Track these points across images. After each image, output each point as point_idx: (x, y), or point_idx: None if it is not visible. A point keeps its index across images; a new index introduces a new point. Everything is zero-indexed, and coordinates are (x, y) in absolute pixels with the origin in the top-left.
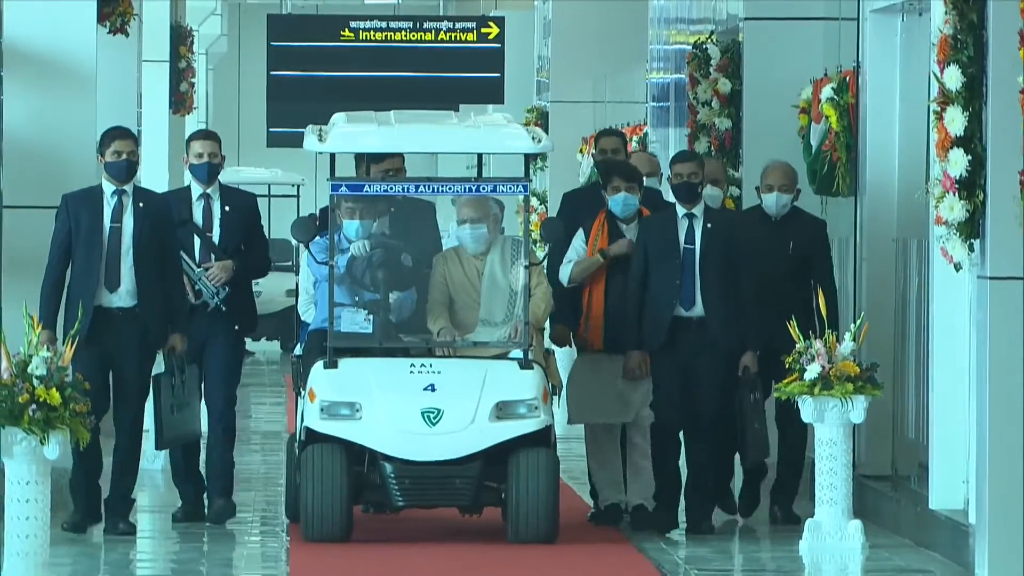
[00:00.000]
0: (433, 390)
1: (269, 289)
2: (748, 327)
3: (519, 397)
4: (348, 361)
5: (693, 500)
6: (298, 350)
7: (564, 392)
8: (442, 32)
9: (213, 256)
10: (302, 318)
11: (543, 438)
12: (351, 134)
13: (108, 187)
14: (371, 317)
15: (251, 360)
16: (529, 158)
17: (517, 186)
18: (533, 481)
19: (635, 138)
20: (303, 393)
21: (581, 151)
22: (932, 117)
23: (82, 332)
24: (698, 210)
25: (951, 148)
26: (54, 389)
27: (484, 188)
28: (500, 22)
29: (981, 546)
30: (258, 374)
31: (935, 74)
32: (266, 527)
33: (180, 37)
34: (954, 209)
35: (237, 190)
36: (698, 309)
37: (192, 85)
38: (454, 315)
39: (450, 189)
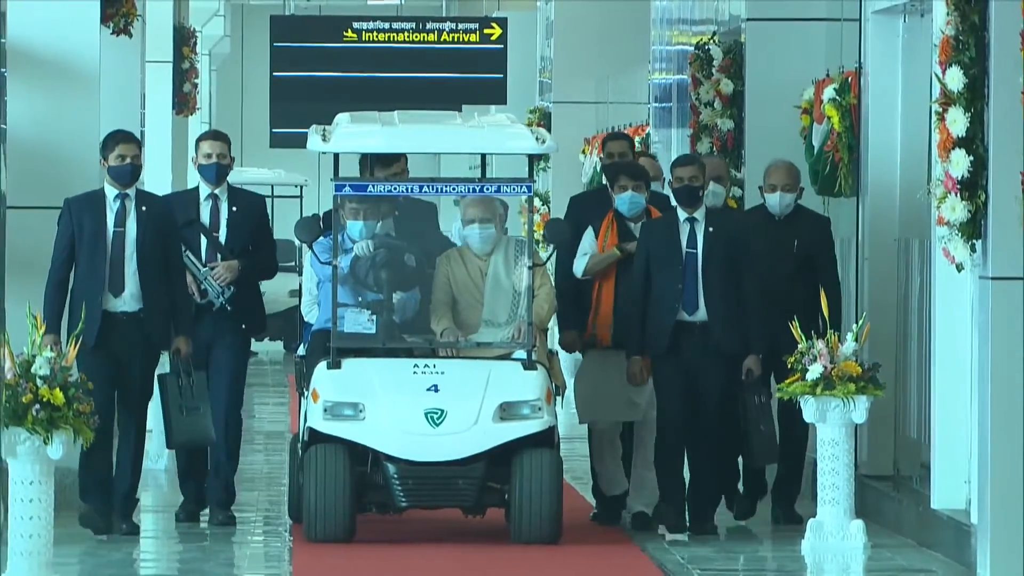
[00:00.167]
0: (436, 391)
1: (272, 289)
2: (751, 330)
3: (522, 398)
4: (351, 361)
5: (696, 501)
6: (301, 350)
7: (573, 390)
8: (445, 33)
9: (219, 256)
10: (305, 319)
11: (546, 439)
12: (354, 134)
13: (111, 191)
14: (374, 317)
15: (254, 360)
16: (533, 159)
17: (521, 187)
18: (536, 482)
19: (637, 139)
20: (306, 393)
21: (584, 152)
22: (934, 118)
23: (88, 337)
24: (699, 214)
25: (953, 149)
26: (57, 389)
27: (488, 189)
28: (503, 23)
29: (983, 546)
30: (261, 374)
31: (937, 75)
32: (269, 527)
33: (183, 38)
34: (956, 209)
35: (245, 191)
36: (701, 313)
37: (195, 86)
38: (457, 316)
39: (454, 190)
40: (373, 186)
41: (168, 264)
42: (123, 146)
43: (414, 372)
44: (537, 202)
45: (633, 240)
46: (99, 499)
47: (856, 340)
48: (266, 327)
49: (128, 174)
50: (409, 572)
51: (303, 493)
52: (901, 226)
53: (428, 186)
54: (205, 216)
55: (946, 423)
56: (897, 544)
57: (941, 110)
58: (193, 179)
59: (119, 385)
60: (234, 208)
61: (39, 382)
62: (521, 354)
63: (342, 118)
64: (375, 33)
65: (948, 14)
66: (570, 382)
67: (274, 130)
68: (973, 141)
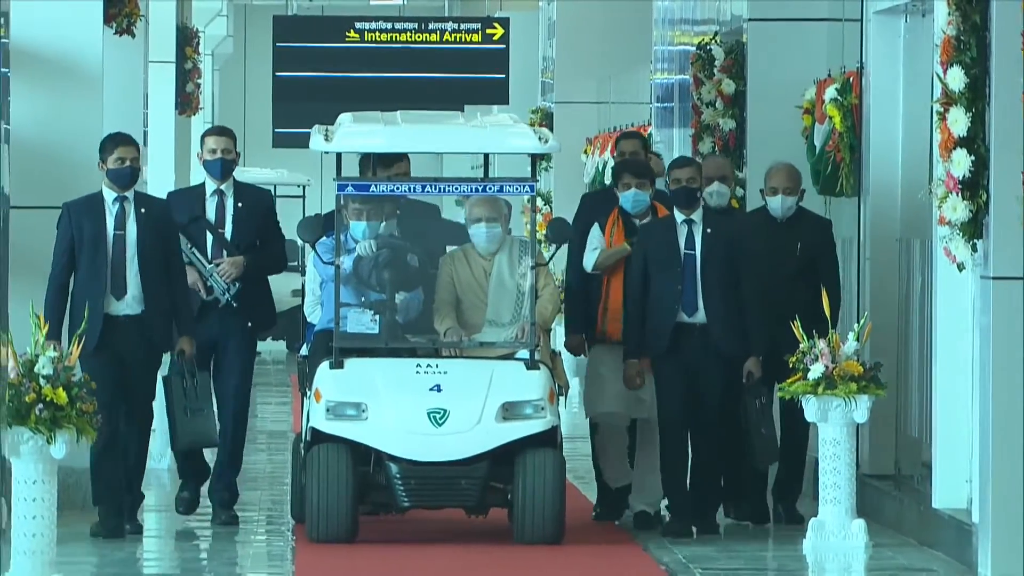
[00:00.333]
0: (439, 390)
1: (275, 289)
2: (751, 332)
3: (525, 398)
4: (354, 361)
5: (698, 501)
6: (304, 350)
7: (582, 385)
8: (447, 33)
9: (225, 252)
10: (308, 319)
11: (549, 439)
12: (357, 134)
13: (109, 194)
14: (377, 317)
15: (257, 360)
16: (535, 158)
17: (524, 186)
18: (539, 482)
19: None
20: (309, 393)
21: (586, 152)
22: (935, 117)
23: (89, 340)
24: (697, 215)
25: (954, 148)
26: (61, 389)
27: (491, 188)
28: (505, 23)
29: (984, 545)
30: (264, 374)
31: (938, 75)
32: (272, 526)
33: (186, 38)
34: (957, 209)
35: (252, 187)
36: (701, 315)
37: (198, 86)
38: (461, 315)
39: (456, 189)
40: (375, 186)
41: (168, 265)
42: (122, 148)
43: (417, 372)
44: (539, 202)
45: None
46: (112, 505)
47: (858, 339)
48: (275, 322)
49: (127, 176)
50: (412, 572)
51: (305, 493)
52: (902, 226)
53: (430, 186)
54: (211, 212)
55: (947, 422)
56: (898, 543)
57: (942, 110)
58: (196, 178)
59: (123, 388)
60: (240, 204)
61: (42, 381)
62: (524, 354)
63: (345, 118)
64: (377, 33)
65: (949, 14)
66: (573, 382)
67: (277, 130)
68: (974, 141)
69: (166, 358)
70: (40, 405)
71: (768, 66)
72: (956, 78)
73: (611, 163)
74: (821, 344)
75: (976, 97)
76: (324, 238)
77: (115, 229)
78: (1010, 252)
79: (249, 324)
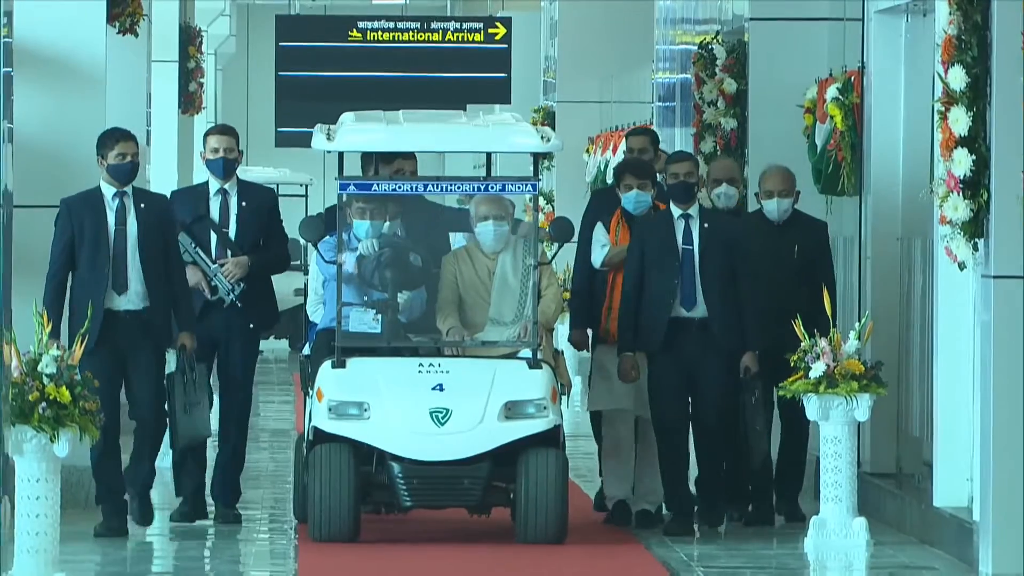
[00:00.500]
0: (441, 390)
1: (277, 288)
2: (748, 327)
3: (528, 397)
4: (356, 361)
5: (702, 498)
6: (307, 349)
7: (588, 381)
8: (449, 32)
9: (229, 252)
10: (311, 318)
11: (552, 438)
12: (359, 133)
13: (109, 190)
14: (379, 317)
15: (260, 359)
16: (538, 157)
17: (526, 185)
18: (542, 481)
19: None
20: (311, 393)
21: (588, 151)
22: (936, 117)
23: (92, 336)
24: (694, 210)
25: (955, 148)
26: (64, 387)
27: (493, 187)
28: (507, 22)
29: (985, 543)
30: (267, 372)
31: (939, 74)
32: (274, 524)
33: (189, 37)
34: (958, 208)
35: (255, 185)
36: (699, 309)
37: (201, 85)
38: (463, 314)
39: (458, 188)
40: (377, 185)
41: (168, 260)
42: (123, 144)
43: (419, 371)
44: (541, 201)
45: None
46: (113, 504)
47: (859, 338)
48: (278, 321)
49: (128, 172)
50: (414, 572)
51: (308, 493)
52: (904, 225)
53: (433, 185)
54: (215, 212)
55: (948, 421)
56: (899, 541)
57: (943, 109)
58: (199, 177)
59: (128, 385)
60: (244, 203)
61: (45, 380)
62: (527, 353)
63: (347, 117)
64: (380, 33)
65: (950, 14)
66: (576, 380)
67: (279, 129)
68: (975, 140)
69: (171, 356)
70: (43, 404)
71: (769, 65)
72: (957, 77)
73: (615, 161)
74: (822, 343)
75: (977, 96)
76: (327, 237)
77: (116, 224)
78: (1011, 251)
79: (251, 325)
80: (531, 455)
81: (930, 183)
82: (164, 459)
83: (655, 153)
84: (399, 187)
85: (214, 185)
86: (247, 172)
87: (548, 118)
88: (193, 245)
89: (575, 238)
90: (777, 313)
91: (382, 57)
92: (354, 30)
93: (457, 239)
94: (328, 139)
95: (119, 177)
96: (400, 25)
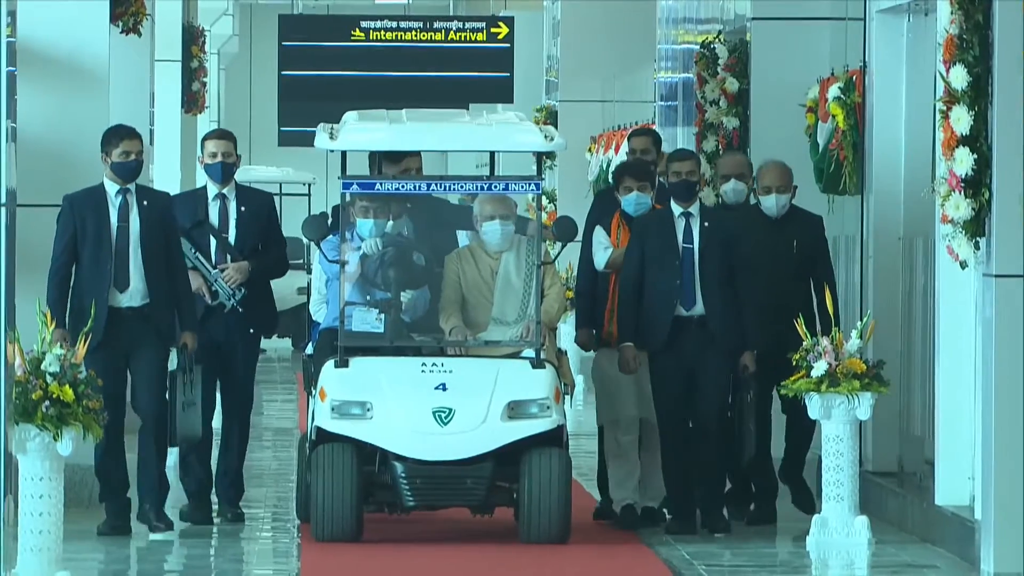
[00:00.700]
0: (444, 389)
1: (280, 287)
2: (747, 326)
3: (531, 397)
4: (359, 360)
5: (704, 497)
6: (309, 349)
7: (593, 387)
8: (452, 32)
9: (229, 257)
10: (314, 317)
11: (555, 438)
12: (362, 132)
13: (112, 187)
14: (383, 316)
15: (262, 357)
16: (542, 156)
17: (529, 184)
18: (545, 481)
19: None
20: (314, 392)
21: (590, 150)
22: (938, 116)
23: (95, 333)
24: (694, 209)
25: (957, 147)
26: (67, 386)
27: (496, 186)
28: (509, 22)
29: (986, 542)
30: (269, 371)
31: (941, 73)
32: (277, 523)
33: (192, 37)
34: (960, 207)
35: (253, 190)
36: (699, 308)
37: (204, 85)
38: (467, 314)
39: (461, 188)
40: (381, 184)
41: (170, 257)
42: (128, 142)
43: (422, 371)
44: (544, 200)
45: None
46: (117, 503)
47: (861, 337)
48: (277, 325)
49: (132, 170)
50: (417, 571)
51: (310, 492)
52: (905, 224)
53: (436, 184)
54: (214, 217)
55: (950, 420)
56: (901, 540)
57: (945, 108)
58: (202, 177)
59: (133, 382)
60: (243, 208)
61: (49, 379)
62: (530, 353)
63: (350, 116)
64: (383, 32)
65: (952, 13)
66: (579, 380)
67: (282, 128)
68: (977, 139)
69: (173, 354)
70: (47, 402)
71: (771, 65)
72: (959, 77)
73: (617, 161)
74: (824, 342)
75: (978, 96)
76: (330, 236)
77: (119, 221)
78: (1012, 250)
79: (251, 330)
80: (534, 455)
81: (932, 182)
82: (170, 457)
83: (657, 154)
84: (402, 186)
85: (212, 190)
86: (250, 171)
87: (550, 117)
88: (193, 251)
89: (579, 237)
90: (776, 309)
91: (385, 56)
92: (357, 29)
93: (464, 237)
94: (331, 138)
95: (123, 175)
96: (403, 24)
